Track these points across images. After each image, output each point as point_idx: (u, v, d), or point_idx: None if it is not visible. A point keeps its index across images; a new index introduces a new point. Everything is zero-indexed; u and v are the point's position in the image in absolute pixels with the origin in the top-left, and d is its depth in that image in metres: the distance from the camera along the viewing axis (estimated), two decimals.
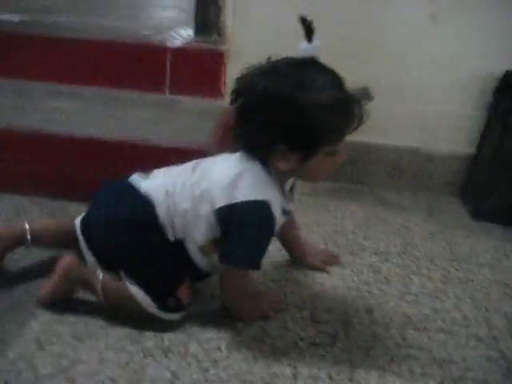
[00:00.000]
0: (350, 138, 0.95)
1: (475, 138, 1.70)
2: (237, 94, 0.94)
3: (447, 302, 1.18)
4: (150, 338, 0.98)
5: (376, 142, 1.74)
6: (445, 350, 1.02)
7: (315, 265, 1.25)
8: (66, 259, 1.04)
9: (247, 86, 0.92)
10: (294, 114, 0.88)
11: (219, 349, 0.96)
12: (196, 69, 1.70)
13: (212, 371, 0.91)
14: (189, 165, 1.05)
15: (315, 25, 1.15)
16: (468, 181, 1.73)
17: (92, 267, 1.03)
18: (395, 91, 1.67)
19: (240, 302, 1.06)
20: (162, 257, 1.01)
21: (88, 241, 1.06)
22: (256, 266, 0.97)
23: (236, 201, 0.93)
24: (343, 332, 1.04)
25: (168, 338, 0.98)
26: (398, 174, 1.79)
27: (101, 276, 1.01)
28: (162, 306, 0.99)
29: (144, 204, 0.99)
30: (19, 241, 1.11)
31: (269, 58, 0.94)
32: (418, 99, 1.70)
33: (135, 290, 0.98)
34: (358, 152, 1.74)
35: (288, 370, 0.92)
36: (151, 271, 1.01)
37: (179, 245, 1.00)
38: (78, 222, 1.09)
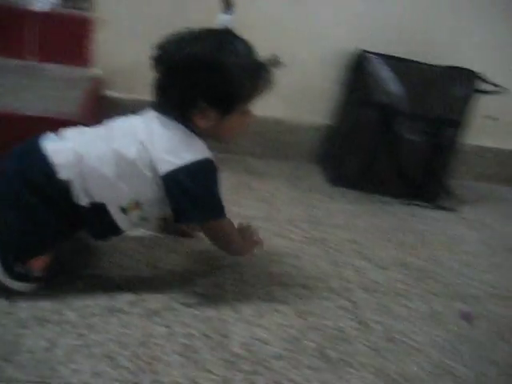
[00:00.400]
0: None
1: (334, 109, 1.86)
2: (159, 59, 1.02)
3: (306, 260, 1.31)
4: (22, 309, 0.97)
5: None
6: (304, 303, 1.15)
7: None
8: None
9: (171, 51, 1.01)
10: (216, 74, 0.99)
11: (94, 314, 0.99)
12: (63, 36, 1.67)
13: (89, 336, 0.94)
14: (103, 127, 1.06)
15: None
16: (327, 150, 1.89)
17: None
18: None
19: (236, 243, 1.15)
20: (35, 219, 0.98)
21: None
22: (222, 212, 1.06)
23: (182, 163, 0.99)
24: (214, 293, 1.12)
25: (41, 307, 0.99)
26: (264, 144, 1.90)
27: None
28: (8, 271, 0.98)
29: (44, 167, 0.97)
30: None
31: (188, 28, 1.03)
32: (282, 72, 1.80)
33: None
34: None
35: (163, 330, 0.98)
36: (15, 230, 0.99)
37: (96, 208, 1.00)
38: None
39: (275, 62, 1.05)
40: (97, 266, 1.14)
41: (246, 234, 1.22)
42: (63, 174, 0.97)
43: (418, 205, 1.81)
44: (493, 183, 2.20)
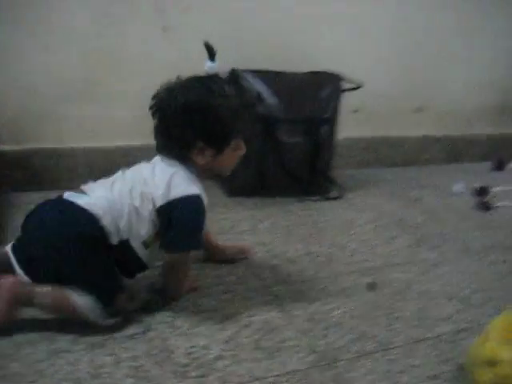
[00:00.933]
0: None
1: None
2: (156, 107, 1.17)
3: (223, 268, 1.43)
4: None
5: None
6: (230, 306, 1.25)
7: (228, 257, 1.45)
8: (8, 282, 1.05)
9: (166, 100, 1.15)
10: (210, 117, 1.14)
11: (39, 360, 1.02)
12: None
13: (40, 381, 0.97)
14: (116, 175, 1.19)
15: None
16: None
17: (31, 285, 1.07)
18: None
19: (182, 283, 1.25)
20: (106, 262, 1.12)
21: (21, 263, 1.08)
22: (199, 246, 1.23)
23: (174, 197, 1.13)
24: (147, 315, 1.19)
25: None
26: None
27: (46, 289, 1.06)
28: (107, 313, 1.09)
29: (89, 219, 1.09)
30: None
31: (178, 77, 1.18)
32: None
33: (79, 301, 1.05)
34: None
35: (110, 359, 1.03)
36: (100, 279, 1.10)
37: (124, 244, 1.12)
38: (9, 248, 1.11)
39: (258, 99, 1.26)
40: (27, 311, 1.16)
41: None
42: (103, 221, 1.09)
43: (310, 199, 1.99)
44: (369, 167, 2.45)
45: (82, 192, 1.15)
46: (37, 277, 1.08)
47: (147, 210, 1.13)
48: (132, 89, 1.81)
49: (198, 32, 1.79)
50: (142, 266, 1.20)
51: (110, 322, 1.11)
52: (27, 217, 1.14)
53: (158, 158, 1.21)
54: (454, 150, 2.65)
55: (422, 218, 1.91)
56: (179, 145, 1.17)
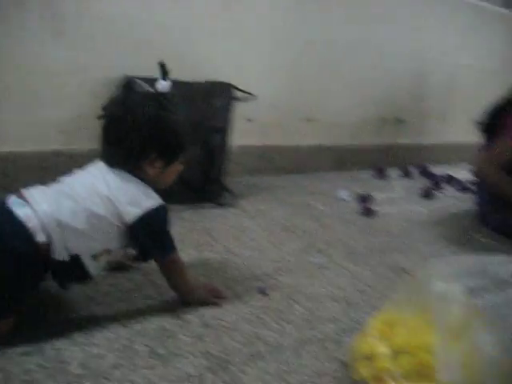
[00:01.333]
0: None
1: None
2: (110, 119, 1.22)
3: (118, 277, 1.42)
4: None
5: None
6: (125, 314, 1.25)
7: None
8: None
9: (122, 112, 1.20)
10: (166, 130, 1.22)
11: None
12: None
13: None
14: (63, 185, 1.17)
15: None
16: None
17: None
18: None
19: (189, 285, 1.33)
20: (23, 283, 1.08)
21: None
22: (175, 248, 1.27)
23: (144, 212, 1.17)
24: (40, 326, 1.17)
25: None
26: (47, 177, 1.92)
27: None
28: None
29: (24, 234, 1.05)
30: None
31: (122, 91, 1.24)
32: (54, 106, 1.86)
33: None
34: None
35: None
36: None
37: (73, 259, 1.12)
38: None
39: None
40: None
41: (209, 287, 1.40)
42: (41, 237, 1.06)
43: (203, 206, 2.02)
44: (262, 175, 2.53)
45: (24, 199, 1.10)
46: None
47: (111, 227, 1.16)
48: None
49: (90, 39, 1.78)
50: (85, 278, 1.20)
51: None
52: None
53: (103, 168, 1.21)
54: (341, 159, 2.81)
55: (310, 223, 2.01)
56: (133, 154, 1.20)
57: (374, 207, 2.26)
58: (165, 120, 1.22)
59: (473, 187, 2.66)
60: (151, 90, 1.31)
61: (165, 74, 1.36)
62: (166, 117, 1.23)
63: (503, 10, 3.23)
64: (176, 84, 1.92)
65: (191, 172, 1.94)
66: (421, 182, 2.82)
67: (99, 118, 1.23)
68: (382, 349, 1.04)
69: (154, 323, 1.23)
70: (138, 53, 1.94)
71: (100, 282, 1.36)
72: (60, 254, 1.09)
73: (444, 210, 2.48)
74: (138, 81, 1.43)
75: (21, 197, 1.11)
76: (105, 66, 1.91)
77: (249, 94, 2.06)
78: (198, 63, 2.07)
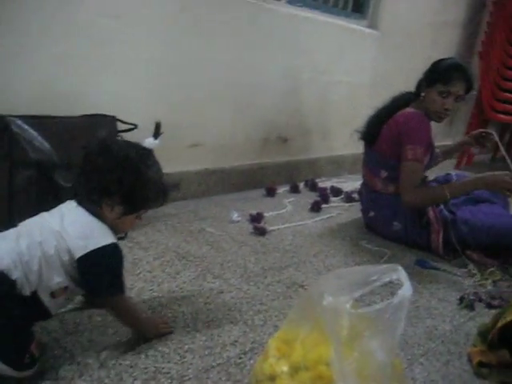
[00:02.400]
0: None
1: None
2: (90, 157, 1.23)
3: None
4: None
5: None
6: None
7: None
8: None
9: (103, 153, 1.22)
10: (139, 182, 1.23)
11: None
12: None
13: None
14: (18, 229, 1.19)
15: None
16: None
17: None
18: None
19: (140, 320, 1.35)
20: (15, 317, 1.11)
21: None
22: (122, 289, 1.27)
23: (93, 247, 1.17)
24: None
25: None
26: None
27: None
28: (19, 365, 1.11)
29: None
30: None
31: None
32: None
33: None
34: None
35: None
36: (7, 336, 1.09)
37: (34, 295, 1.14)
38: None
39: (175, 186, 1.30)
40: None
41: (158, 319, 1.43)
42: (13, 274, 1.10)
43: None
44: None
45: None
46: None
47: (62, 262, 1.16)
48: None
49: None
50: (46, 315, 1.21)
51: (29, 372, 1.14)
52: None
53: (69, 206, 1.26)
54: (228, 181, 2.85)
55: (204, 248, 2.01)
56: (97, 190, 1.22)
57: (266, 226, 2.32)
58: (141, 171, 1.24)
59: (357, 197, 2.81)
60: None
61: (157, 133, 1.39)
62: (143, 169, 1.24)
63: (369, 30, 3.46)
64: (55, 119, 1.88)
65: None
66: (309, 197, 2.93)
67: (82, 150, 1.26)
68: (282, 367, 1.07)
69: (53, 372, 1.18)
70: (9, 90, 1.85)
71: None
72: (24, 290, 1.12)
73: (332, 221, 2.59)
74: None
75: None
76: None
77: (131, 124, 2.05)
78: (76, 97, 2.01)
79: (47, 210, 1.80)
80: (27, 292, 1.12)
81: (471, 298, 1.83)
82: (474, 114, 4.38)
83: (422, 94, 2.28)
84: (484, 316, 1.73)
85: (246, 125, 2.86)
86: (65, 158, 1.83)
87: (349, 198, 2.98)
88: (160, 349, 1.32)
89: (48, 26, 1.89)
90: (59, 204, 1.81)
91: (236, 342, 1.40)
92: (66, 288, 1.19)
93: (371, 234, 2.44)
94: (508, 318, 1.37)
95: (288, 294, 1.71)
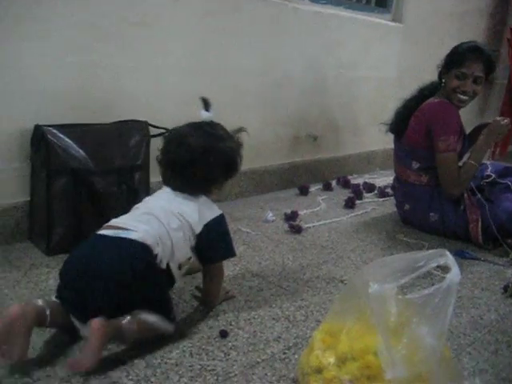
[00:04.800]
0: None
1: (29, 185, 1.89)
2: (166, 151, 1.44)
3: None
4: None
5: None
6: None
7: None
8: (98, 322, 1.15)
9: (179, 145, 1.41)
10: (226, 157, 1.44)
11: None
12: None
13: None
14: (142, 210, 1.42)
15: None
16: (33, 225, 1.91)
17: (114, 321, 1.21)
18: None
19: (220, 290, 1.54)
20: (162, 283, 1.35)
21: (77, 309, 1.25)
22: (235, 252, 1.52)
23: (208, 220, 1.43)
24: None
25: None
26: None
27: (128, 319, 1.22)
28: (171, 320, 1.33)
29: (146, 250, 1.29)
30: (40, 320, 1.20)
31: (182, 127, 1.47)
32: None
33: (153, 319, 1.26)
34: None
35: None
36: (162, 298, 1.35)
37: (167, 267, 1.35)
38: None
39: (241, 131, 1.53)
40: None
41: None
42: (156, 250, 1.31)
43: None
44: None
45: (121, 228, 1.32)
46: (95, 314, 1.18)
47: (187, 237, 1.39)
48: None
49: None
50: (172, 283, 1.43)
51: (173, 326, 1.33)
52: (68, 263, 1.31)
53: (170, 193, 1.44)
54: (261, 181, 2.84)
55: (241, 248, 2.01)
56: (204, 182, 1.43)
57: (301, 223, 2.31)
58: (222, 148, 1.42)
59: (391, 192, 2.78)
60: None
61: (207, 106, 1.52)
62: (222, 145, 1.42)
63: (393, 24, 3.43)
64: (89, 127, 1.91)
65: (116, 213, 1.91)
66: (342, 194, 2.91)
67: (165, 153, 1.44)
68: (329, 359, 1.06)
69: (97, 372, 1.19)
70: (44, 100, 1.89)
71: None
72: (163, 263, 1.33)
73: (367, 216, 2.56)
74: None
75: (112, 228, 1.33)
76: (14, 117, 1.83)
77: (163, 128, 2.06)
78: (108, 104, 2.04)
79: (83, 217, 1.85)
80: (164, 265, 1.34)
81: None
82: (505, 102, 4.30)
83: (443, 81, 2.26)
84: None
85: (275, 124, 2.85)
86: (100, 164, 1.87)
87: (382, 193, 2.95)
88: (204, 347, 1.32)
89: (75, 36, 1.92)
90: (98, 209, 1.86)
91: (279, 337, 1.40)
92: (189, 258, 1.43)
93: (407, 227, 2.41)
94: None
95: (328, 290, 1.70)
